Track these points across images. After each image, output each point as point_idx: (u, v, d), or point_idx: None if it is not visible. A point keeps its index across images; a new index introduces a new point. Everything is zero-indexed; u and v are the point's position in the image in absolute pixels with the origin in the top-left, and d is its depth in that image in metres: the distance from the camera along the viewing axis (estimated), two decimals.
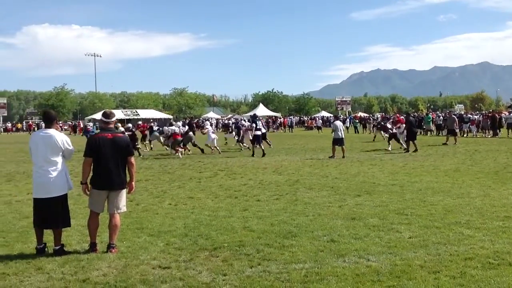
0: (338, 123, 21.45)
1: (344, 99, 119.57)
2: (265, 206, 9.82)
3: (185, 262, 6.10)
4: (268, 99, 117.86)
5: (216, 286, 5.25)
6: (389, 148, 23.43)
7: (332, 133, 21.33)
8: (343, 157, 20.00)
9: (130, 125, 26.81)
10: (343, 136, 20.97)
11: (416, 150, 21.90)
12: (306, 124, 69.94)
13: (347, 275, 5.51)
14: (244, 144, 26.39)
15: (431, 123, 39.25)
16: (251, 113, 38.59)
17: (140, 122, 37.60)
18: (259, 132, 22.60)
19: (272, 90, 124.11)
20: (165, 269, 5.84)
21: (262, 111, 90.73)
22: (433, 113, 57.45)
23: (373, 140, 31.62)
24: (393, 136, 24.11)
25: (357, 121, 51.43)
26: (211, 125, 33.60)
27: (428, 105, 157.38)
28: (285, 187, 12.37)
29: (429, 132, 39.01)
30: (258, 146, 22.13)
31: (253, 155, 21.99)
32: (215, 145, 24.93)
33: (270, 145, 27.28)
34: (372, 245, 6.72)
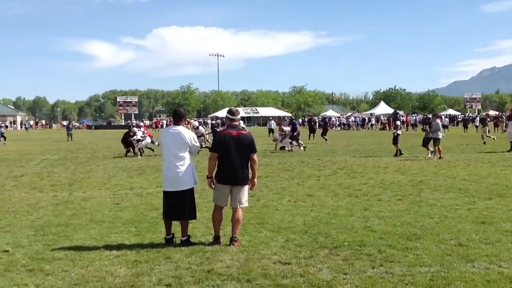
0: (440, 122, 20.18)
1: (473, 96, 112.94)
2: (387, 206, 9.54)
3: (305, 259, 6.10)
4: (389, 97, 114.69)
5: (337, 285, 5.18)
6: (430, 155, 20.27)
7: (431, 134, 19.76)
8: (429, 156, 19.01)
9: (135, 129, 25.21)
10: (441, 136, 19.55)
11: None
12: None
13: (477, 281, 5.19)
14: (295, 144, 25.43)
15: None
16: (371, 111, 37.84)
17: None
18: (400, 132, 21.58)
19: (394, 87, 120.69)
20: (286, 265, 5.88)
21: (383, 109, 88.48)
22: None
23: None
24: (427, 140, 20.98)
25: (488, 119, 48.17)
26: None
27: None
28: (408, 187, 11.93)
29: None
30: (396, 145, 21.12)
31: (397, 154, 20.83)
32: None
33: (290, 149, 25.34)
34: (504, 251, 6.27)
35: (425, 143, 20.44)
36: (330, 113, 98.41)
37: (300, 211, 9.19)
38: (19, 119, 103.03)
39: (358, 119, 74.36)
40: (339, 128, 71.64)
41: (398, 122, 22.14)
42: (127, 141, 23.48)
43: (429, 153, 19.78)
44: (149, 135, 24.41)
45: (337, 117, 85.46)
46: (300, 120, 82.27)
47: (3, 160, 21.76)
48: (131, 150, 23.20)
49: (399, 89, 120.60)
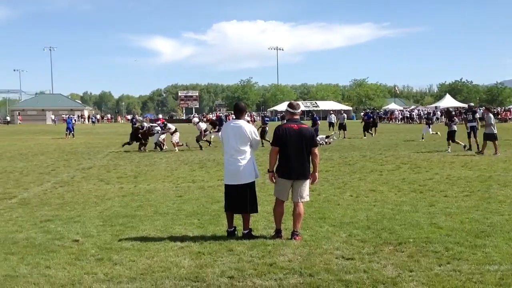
0: (492, 116, 19.14)
1: None
2: (454, 202, 9.23)
3: (369, 255, 6.01)
4: (455, 89, 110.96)
5: (402, 282, 5.07)
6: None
7: (483, 127, 18.86)
8: (496, 153, 17.85)
9: (144, 123, 26.01)
10: (496, 131, 18.59)
11: None
12: (499, 116, 64.29)
13: None
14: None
15: None
16: (436, 104, 36.65)
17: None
18: (475, 124, 20.66)
19: (461, 79, 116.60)
20: (349, 260, 5.81)
21: (448, 102, 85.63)
22: None
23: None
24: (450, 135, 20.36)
25: None
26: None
27: None
28: (476, 183, 11.50)
29: None
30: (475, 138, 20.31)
31: (478, 150, 19.40)
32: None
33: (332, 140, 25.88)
34: None
35: (449, 137, 20.33)
36: (393, 106, 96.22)
37: (362, 206, 9.05)
38: (86, 113, 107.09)
39: (422, 113, 72.32)
40: (401, 122, 69.99)
41: (477, 115, 21.33)
42: (137, 136, 24.25)
43: (453, 146, 20.01)
44: (162, 121, 25.85)
45: (400, 110, 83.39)
46: (362, 114, 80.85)
47: (72, 153, 22.70)
48: (129, 143, 24.33)
49: (465, 81, 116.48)
